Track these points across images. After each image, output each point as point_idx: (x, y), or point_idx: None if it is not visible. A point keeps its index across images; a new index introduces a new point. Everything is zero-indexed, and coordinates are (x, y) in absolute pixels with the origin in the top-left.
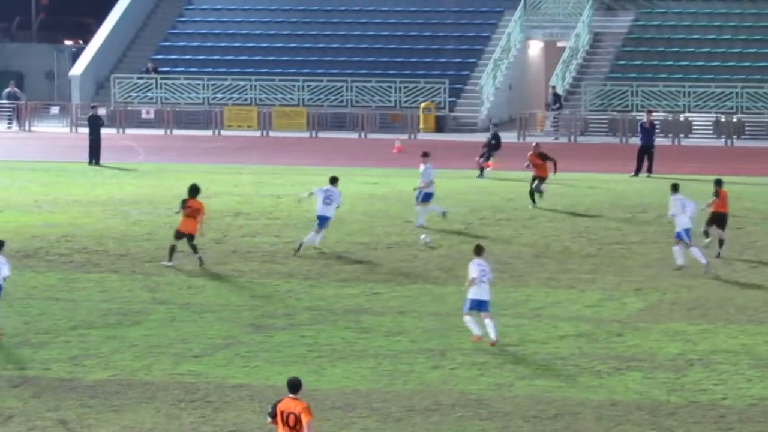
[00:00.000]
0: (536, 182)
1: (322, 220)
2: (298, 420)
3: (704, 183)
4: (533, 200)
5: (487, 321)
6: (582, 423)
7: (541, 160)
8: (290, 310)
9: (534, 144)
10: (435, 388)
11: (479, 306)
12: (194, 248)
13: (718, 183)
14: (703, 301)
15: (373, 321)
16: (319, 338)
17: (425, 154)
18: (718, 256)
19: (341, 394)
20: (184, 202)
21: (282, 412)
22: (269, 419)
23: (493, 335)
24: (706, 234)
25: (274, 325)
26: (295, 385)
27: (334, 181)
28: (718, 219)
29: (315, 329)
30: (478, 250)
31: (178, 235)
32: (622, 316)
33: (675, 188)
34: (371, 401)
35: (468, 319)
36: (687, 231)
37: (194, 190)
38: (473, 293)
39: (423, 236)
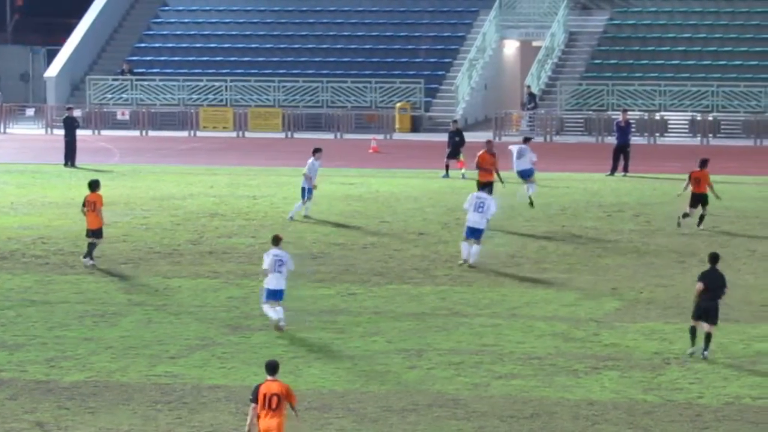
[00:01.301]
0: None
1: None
2: (280, 401)
3: (680, 182)
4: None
5: (278, 308)
6: (558, 422)
7: (492, 157)
8: None
9: (486, 141)
10: (411, 388)
11: (274, 295)
12: (93, 247)
13: (703, 163)
14: (679, 300)
15: (350, 321)
16: (296, 339)
17: (317, 150)
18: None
19: (318, 395)
20: (85, 199)
21: (265, 395)
22: (252, 405)
23: (281, 321)
24: (685, 215)
25: (251, 326)
26: (274, 367)
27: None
28: (696, 199)
29: (291, 330)
30: (276, 240)
31: (89, 233)
32: (598, 315)
33: (480, 187)
34: (347, 402)
35: (266, 308)
36: (472, 230)
37: (92, 185)
38: (269, 283)
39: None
